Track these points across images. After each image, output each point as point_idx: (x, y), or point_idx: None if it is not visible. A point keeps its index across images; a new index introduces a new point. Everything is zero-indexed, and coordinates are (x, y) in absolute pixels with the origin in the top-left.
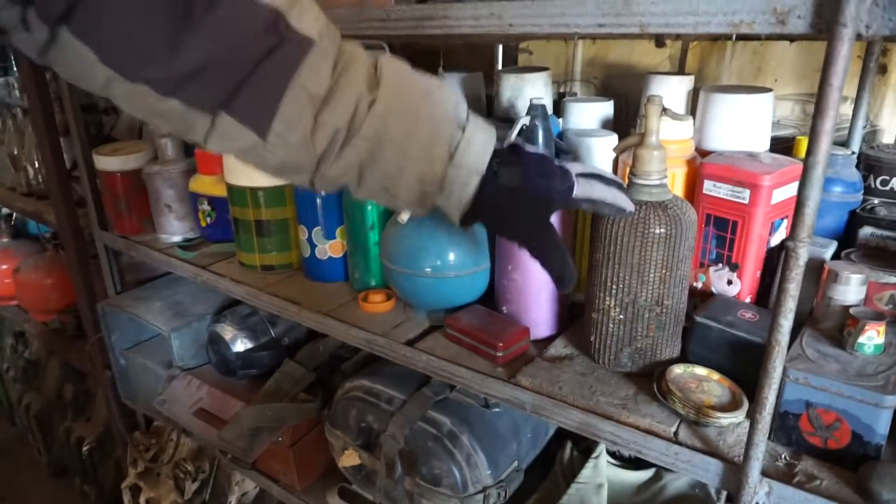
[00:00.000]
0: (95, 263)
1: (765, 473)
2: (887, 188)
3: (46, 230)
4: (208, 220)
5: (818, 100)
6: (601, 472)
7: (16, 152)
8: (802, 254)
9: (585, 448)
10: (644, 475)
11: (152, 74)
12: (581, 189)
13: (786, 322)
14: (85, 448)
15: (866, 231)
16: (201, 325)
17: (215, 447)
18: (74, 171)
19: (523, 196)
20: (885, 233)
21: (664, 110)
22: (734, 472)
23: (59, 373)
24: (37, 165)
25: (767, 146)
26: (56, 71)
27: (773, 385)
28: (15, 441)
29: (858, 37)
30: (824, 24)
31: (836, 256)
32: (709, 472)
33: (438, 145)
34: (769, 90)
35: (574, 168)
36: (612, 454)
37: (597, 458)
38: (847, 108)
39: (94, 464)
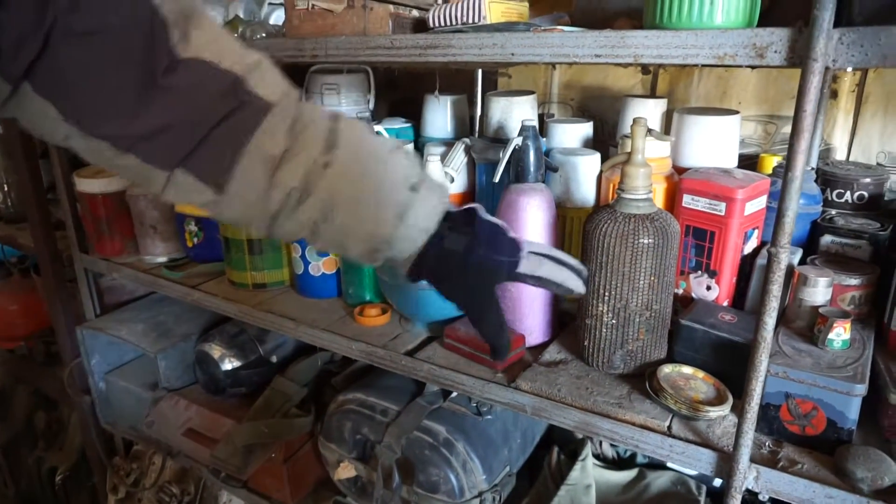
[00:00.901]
0: (72, 287)
1: (753, 460)
2: (843, 200)
3: (12, 254)
4: (195, 240)
5: (794, 123)
6: (588, 473)
7: None
8: (784, 258)
9: (572, 451)
10: (629, 475)
11: (111, 132)
12: (527, 266)
13: (770, 320)
14: (58, 478)
15: (827, 239)
16: (187, 345)
17: (206, 466)
18: (49, 193)
19: (467, 263)
20: (844, 240)
21: (649, 131)
22: (725, 461)
23: (28, 401)
24: (6, 189)
25: (736, 163)
26: (18, 121)
27: (760, 378)
28: None
29: (826, 69)
30: (798, 59)
31: (802, 262)
32: (701, 461)
33: (388, 208)
34: (736, 112)
35: (528, 245)
36: (597, 456)
37: (584, 460)
38: None
39: (67, 494)
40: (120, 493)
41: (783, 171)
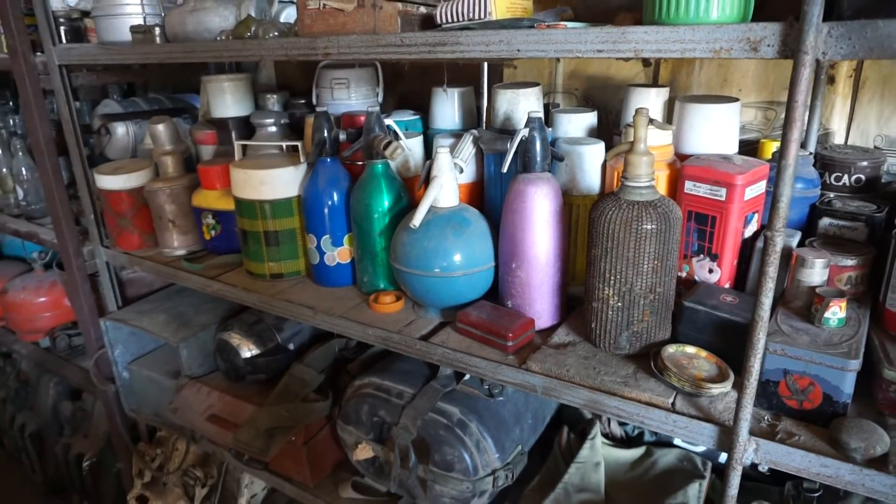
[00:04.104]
0: (93, 280)
1: (752, 433)
2: (840, 183)
3: (33, 249)
4: (213, 232)
5: (787, 113)
6: (597, 451)
7: (4, 172)
8: (779, 241)
9: (581, 431)
10: (636, 452)
11: None
12: None
13: (766, 300)
14: (85, 463)
15: (825, 221)
16: (207, 334)
17: (229, 450)
18: (69, 190)
19: None
20: (841, 222)
21: (650, 121)
22: (726, 434)
23: (53, 391)
24: (25, 187)
25: (736, 149)
26: None
27: (758, 355)
28: (3, 463)
29: (817, 61)
30: (789, 52)
31: (800, 244)
32: (704, 435)
33: None
34: (736, 99)
35: None
36: (605, 435)
37: (593, 438)
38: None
39: (94, 478)
40: (145, 477)
41: (778, 159)
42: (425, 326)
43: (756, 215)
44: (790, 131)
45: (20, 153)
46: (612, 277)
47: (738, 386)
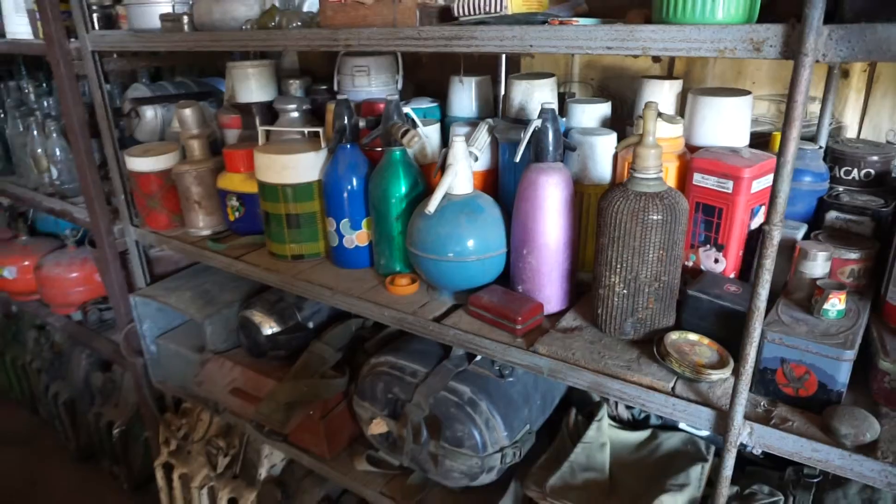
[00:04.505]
0: (123, 258)
1: (748, 418)
2: (850, 177)
3: (66, 227)
4: (237, 214)
5: (787, 112)
6: (604, 432)
7: (39, 152)
8: (776, 235)
9: (588, 413)
10: (642, 435)
11: None
12: None
13: (763, 291)
14: (115, 431)
15: (832, 215)
16: (231, 311)
17: (250, 422)
18: (100, 170)
19: None
20: (848, 216)
21: (660, 114)
22: (722, 418)
23: (86, 362)
24: (59, 167)
25: (747, 141)
26: None
27: (754, 343)
28: (38, 429)
29: (817, 62)
30: (791, 53)
31: (806, 237)
32: (701, 418)
33: None
34: (748, 93)
35: None
36: (612, 418)
37: (600, 420)
38: (816, 107)
39: (124, 445)
40: (171, 445)
41: (777, 156)
42: (438, 308)
43: (763, 208)
44: (789, 129)
45: (54, 134)
46: (619, 265)
47: (735, 372)
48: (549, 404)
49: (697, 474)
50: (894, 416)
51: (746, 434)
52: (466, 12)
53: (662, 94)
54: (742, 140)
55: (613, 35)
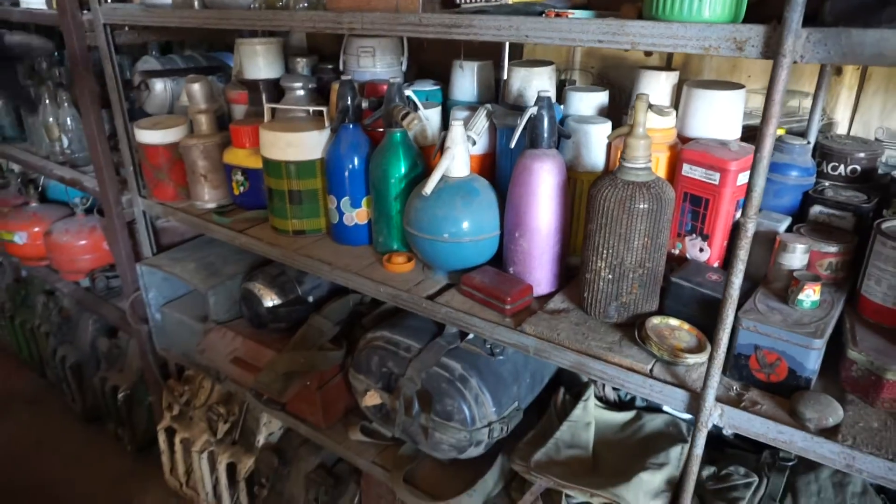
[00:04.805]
0: (130, 227)
1: (720, 400)
2: (837, 173)
3: (75, 195)
4: (241, 189)
5: (764, 109)
6: (589, 412)
7: (51, 121)
8: (751, 227)
9: (576, 393)
10: (626, 416)
11: None
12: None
13: (736, 280)
14: (120, 395)
15: (816, 209)
16: (234, 283)
17: (250, 390)
18: (110, 141)
19: None
20: (831, 211)
21: (650, 106)
22: (695, 399)
23: (93, 328)
24: (70, 136)
25: (739, 134)
26: None
27: (727, 329)
28: (45, 391)
29: (795, 63)
30: (771, 53)
31: (789, 230)
32: (675, 399)
33: None
34: (742, 86)
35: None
36: (599, 398)
37: (586, 400)
38: (808, 103)
39: (128, 409)
40: (174, 410)
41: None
42: (432, 287)
43: None
44: (766, 127)
45: (65, 104)
46: (605, 251)
47: (709, 357)
48: (538, 383)
49: (677, 454)
50: (860, 402)
51: (717, 415)
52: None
53: (659, 85)
54: (734, 133)
55: (605, 29)
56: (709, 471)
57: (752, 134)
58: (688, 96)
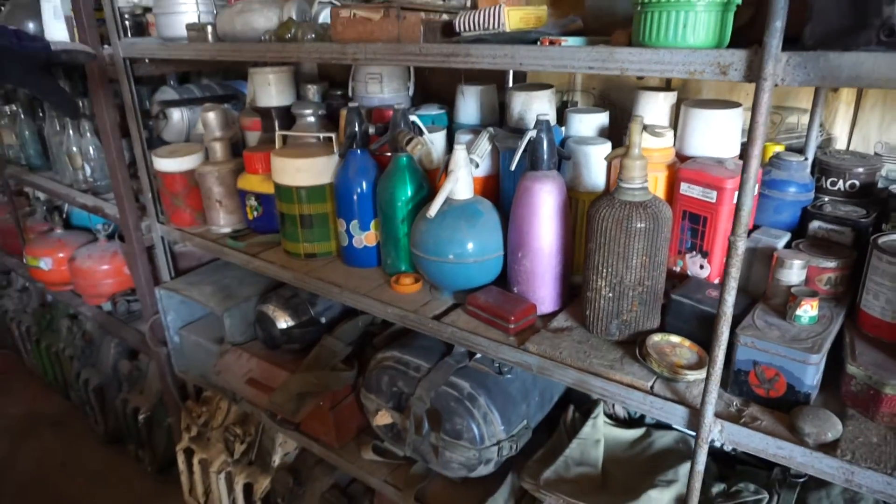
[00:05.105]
0: (150, 252)
1: (720, 416)
2: (836, 188)
3: (98, 221)
4: (255, 213)
5: (749, 132)
6: (599, 429)
7: (74, 150)
8: (741, 245)
9: (586, 410)
10: (636, 433)
11: None
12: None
13: (729, 297)
14: (141, 417)
15: (815, 224)
16: (248, 305)
17: (265, 410)
18: (130, 169)
19: (13, 52)
20: (830, 226)
21: (645, 127)
22: (694, 415)
23: (115, 350)
24: (92, 164)
25: (737, 152)
26: None
27: (722, 345)
28: (69, 413)
29: (777, 85)
30: (753, 76)
31: (789, 245)
32: (675, 415)
33: None
34: (739, 105)
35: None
36: (609, 416)
37: (595, 417)
38: (806, 119)
39: (149, 430)
40: (192, 431)
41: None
42: (439, 307)
43: None
44: (752, 148)
45: (88, 134)
46: (605, 270)
47: (706, 373)
48: (547, 401)
49: (686, 472)
50: (860, 417)
51: (717, 431)
52: (467, 28)
53: (657, 105)
54: (733, 151)
55: (595, 56)
56: (718, 487)
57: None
58: (686, 116)
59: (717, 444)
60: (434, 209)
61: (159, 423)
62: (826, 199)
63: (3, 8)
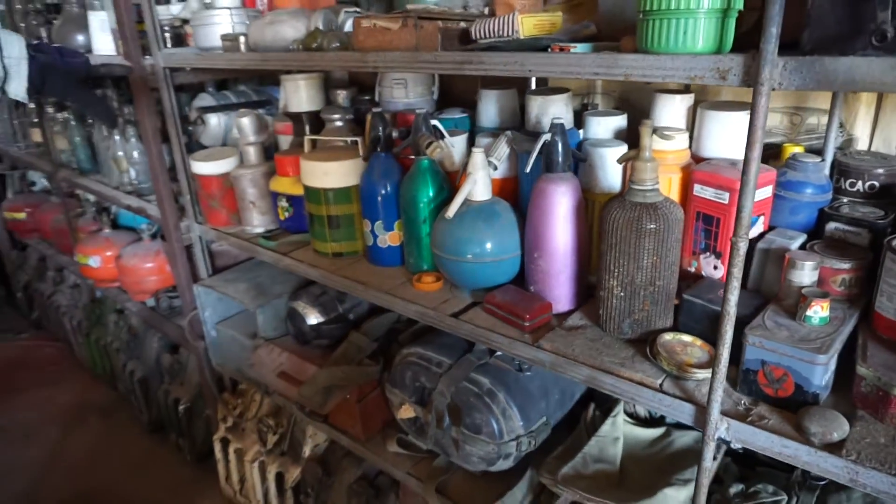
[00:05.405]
0: (189, 251)
1: (728, 415)
2: (854, 189)
3: (143, 222)
4: (286, 214)
5: (748, 135)
6: (618, 427)
7: (120, 155)
8: (742, 246)
9: (607, 409)
10: (656, 432)
11: None
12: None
13: (732, 297)
14: (181, 407)
15: (831, 225)
16: (280, 302)
17: (295, 403)
18: (170, 172)
19: (56, 68)
20: (846, 227)
21: (654, 130)
22: (701, 413)
23: (157, 344)
24: (136, 168)
25: None
26: None
27: (726, 344)
28: (116, 403)
29: (774, 90)
30: (750, 81)
31: (803, 247)
32: (683, 412)
33: None
34: None
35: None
36: (630, 415)
37: (615, 416)
38: (825, 120)
39: (189, 420)
40: (228, 422)
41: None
42: (458, 305)
43: (762, 218)
44: (750, 151)
45: (132, 139)
46: (616, 270)
47: (712, 371)
48: (568, 399)
49: None
50: (869, 418)
51: (724, 429)
52: (483, 35)
53: (674, 108)
54: None
55: (600, 62)
56: (737, 488)
57: (771, 152)
58: (702, 118)
59: (724, 441)
60: (452, 210)
61: (198, 413)
62: (845, 200)
63: (55, 21)
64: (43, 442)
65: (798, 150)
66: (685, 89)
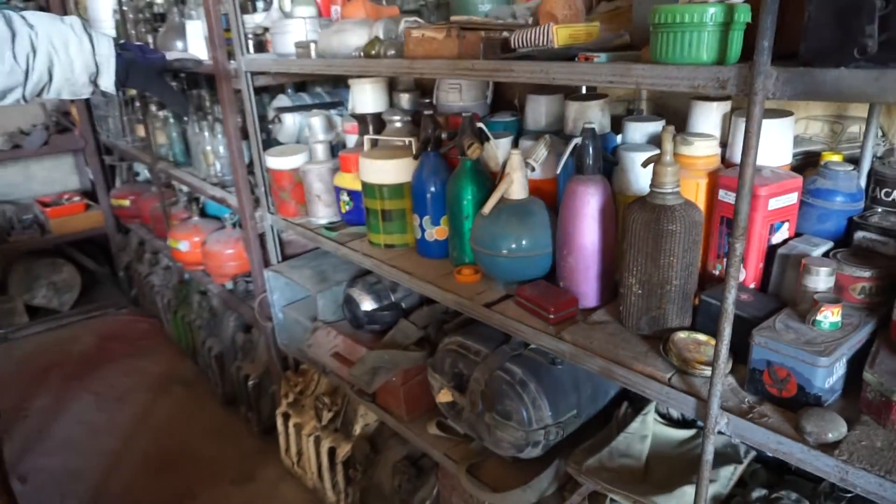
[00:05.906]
0: (261, 239)
1: (730, 411)
2: (890, 199)
3: (226, 211)
4: (347, 207)
5: (744, 142)
6: (648, 426)
7: (208, 149)
8: (739, 248)
9: (638, 408)
10: (686, 433)
11: None
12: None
13: (730, 297)
14: (250, 383)
15: (859, 234)
16: (339, 289)
17: (346, 382)
18: (248, 167)
19: (138, 63)
20: (874, 236)
21: (674, 136)
22: (702, 406)
23: (233, 324)
24: (221, 161)
25: (788, 160)
26: None
27: (725, 341)
28: (196, 376)
29: (768, 99)
30: (747, 90)
31: (827, 255)
32: (688, 406)
33: (84, 47)
34: (790, 113)
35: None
36: (661, 415)
37: (645, 414)
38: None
39: (257, 395)
40: (290, 398)
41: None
42: (492, 297)
43: (786, 224)
44: (747, 157)
45: (219, 135)
46: (635, 268)
47: (712, 367)
48: (602, 395)
49: (728, 474)
50: (873, 423)
51: (724, 423)
52: (521, 45)
53: (710, 115)
54: (783, 159)
55: (614, 72)
56: (759, 493)
57: (810, 160)
58: (736, 125)
59: (724, 434)
60: (488, 207)
61: (265, 389)
62: (879, 209)
63: (160, 29)
64: (133, 407)
65: (836, 158)
66: (725, 97)
